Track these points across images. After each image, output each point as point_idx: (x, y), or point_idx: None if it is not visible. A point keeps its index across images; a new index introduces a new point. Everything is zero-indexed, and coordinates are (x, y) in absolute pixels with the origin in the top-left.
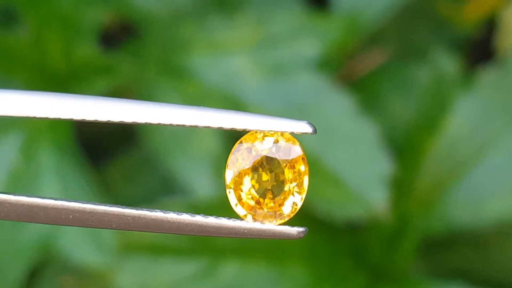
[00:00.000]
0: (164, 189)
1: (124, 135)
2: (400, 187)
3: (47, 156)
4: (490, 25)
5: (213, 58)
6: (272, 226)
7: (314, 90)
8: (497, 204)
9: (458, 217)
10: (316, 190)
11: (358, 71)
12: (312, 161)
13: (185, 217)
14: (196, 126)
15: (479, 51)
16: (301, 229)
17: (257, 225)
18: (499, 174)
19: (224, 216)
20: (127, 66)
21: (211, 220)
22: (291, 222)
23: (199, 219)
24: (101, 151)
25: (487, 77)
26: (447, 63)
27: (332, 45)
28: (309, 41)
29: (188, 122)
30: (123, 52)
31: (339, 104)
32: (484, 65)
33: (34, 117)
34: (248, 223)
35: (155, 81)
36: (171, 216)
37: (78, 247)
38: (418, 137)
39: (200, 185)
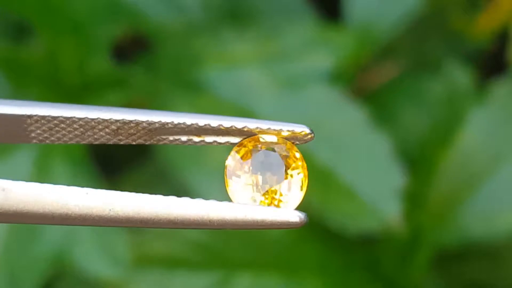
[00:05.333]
0: None
1: (138, 149)
2: (414, 199)
3: (61, 170)
4: (503, 38)
5: (226, 71)
6: (272, 209)
7: (327, 103)
8: (510, 216)
9: (472, 230)
10: (330, 202)
11: (371, 84)
12: (325, 174)
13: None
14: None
15: (491, 63)
16: (302, 214)
17: (255, 208)
18: None
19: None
20: (140, 79)
21: (211, 204)
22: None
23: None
24: (115, 165)
25: (500, 89)
26: (460, 76)
27: (345, 58)
28: (321, 54)
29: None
30: (136, 65)
31: (352, 117)
32: (496, 77)
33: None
34: (248, 206)
35: (168, 94)
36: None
37: (92, 260)
38: (431, 150)
39: (214, 198)
